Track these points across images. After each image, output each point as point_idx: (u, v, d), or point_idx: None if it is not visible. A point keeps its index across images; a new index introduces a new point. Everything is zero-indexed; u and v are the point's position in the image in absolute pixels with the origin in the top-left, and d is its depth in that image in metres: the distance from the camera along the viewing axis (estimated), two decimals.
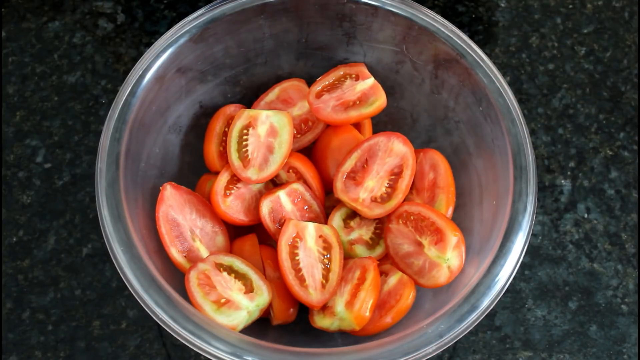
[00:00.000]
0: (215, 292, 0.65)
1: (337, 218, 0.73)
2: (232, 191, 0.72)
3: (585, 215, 0.83)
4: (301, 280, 0.67)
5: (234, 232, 0.74)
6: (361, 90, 0.75)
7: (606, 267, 0.80)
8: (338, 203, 0.74)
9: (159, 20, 0.91)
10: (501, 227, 0.64)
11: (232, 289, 0.65)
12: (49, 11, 0.91)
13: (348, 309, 0.66)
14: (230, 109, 0.78)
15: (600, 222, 0.83)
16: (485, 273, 0.62)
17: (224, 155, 0.76)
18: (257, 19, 0.74)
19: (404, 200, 0.72)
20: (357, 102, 0.74)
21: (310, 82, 0.78)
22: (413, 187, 0.74)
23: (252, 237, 0.72)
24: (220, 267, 0.66)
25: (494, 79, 0.70)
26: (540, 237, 0.81)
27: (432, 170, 0.74)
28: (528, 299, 0.78)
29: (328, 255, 0.69)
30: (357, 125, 0.79)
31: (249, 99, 0.80)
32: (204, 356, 0.59)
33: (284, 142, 0.72)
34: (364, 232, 0.73)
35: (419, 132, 0.80)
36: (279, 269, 0.68)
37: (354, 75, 0.76)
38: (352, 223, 0.73)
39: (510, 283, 0.62)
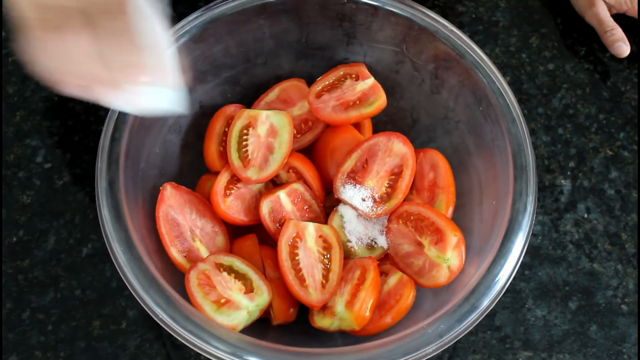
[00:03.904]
0: (215, 292, 0.65)
1: (337, 218, 0.73)
2: (232, 191, 0.72)
3: (585, 215, 0.83)
4: (301, 280, 0.67)
5: (234, 232, 0.74)
6: (361, 90, 0.75)
7: (606, 267, 0.80)
8: (338, 203, 0.74)
9: None
10: (501, 227, 0.64)
11: (232, 289, 0.65)
12: None
13: (348, 309, 0.66)
14: (230, 109, 0.78)
15: (600, 222, 0.83)
16: (485, 273, 0.62)
17: (224, 155, 0.76)
18: (257, 19, 0.74)
19: (404, 200, 0.72)
20: (357, 102, 0.74)
21: (310, 82, 0.78)
22: (413, 187, 0.74)
23: (252, 237, 0.72)
24: (220, 267, 0.66)
25: (494, 79, 0.70)
26: (540, 237, 0.81)
27: (432, 170, 0.74)
28: (528, 299, 0.78)
29: (328, 255, 0.69)
30: (357, 125, 0.79)
31: (249, 99, 0.80)
32: (204, 356, 0.59)
33: (284, 142, 0.72)
34: None
35: (419, 132, 0.80)
36: (279, 269, 0.68)
37: (354, 75, 0.76)
38: None
39: (510, 283, 0.62)
